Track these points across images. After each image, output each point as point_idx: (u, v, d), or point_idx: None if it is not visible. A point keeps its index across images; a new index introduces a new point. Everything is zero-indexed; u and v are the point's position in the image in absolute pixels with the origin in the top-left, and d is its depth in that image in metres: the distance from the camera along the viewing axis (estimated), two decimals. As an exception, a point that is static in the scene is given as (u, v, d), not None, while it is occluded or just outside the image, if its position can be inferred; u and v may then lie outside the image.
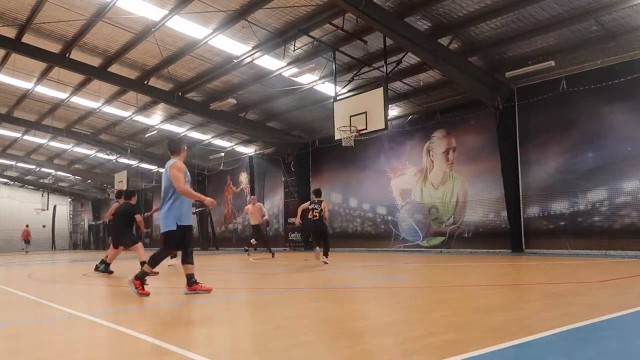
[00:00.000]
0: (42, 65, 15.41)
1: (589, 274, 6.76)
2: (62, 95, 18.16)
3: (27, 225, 32.55)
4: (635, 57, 11.15)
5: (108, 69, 15.04)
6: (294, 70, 14.05)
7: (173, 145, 6.04)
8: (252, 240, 14.76)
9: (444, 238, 14.92)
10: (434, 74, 13.76)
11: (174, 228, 5.62)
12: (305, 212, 11.18)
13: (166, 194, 5.70)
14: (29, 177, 35.40)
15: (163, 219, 5.68)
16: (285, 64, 13.91)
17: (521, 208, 12.94)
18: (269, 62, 13.94)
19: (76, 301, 5.95)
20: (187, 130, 21.55)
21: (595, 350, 2.79)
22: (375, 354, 2.82)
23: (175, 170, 5.64)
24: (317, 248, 11.24)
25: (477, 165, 14.18)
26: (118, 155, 25.20)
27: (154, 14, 11.77)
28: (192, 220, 23.45)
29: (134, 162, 26.19)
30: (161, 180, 5.90)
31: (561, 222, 12.19)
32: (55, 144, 25.79)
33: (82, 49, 14.08)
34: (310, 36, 11.93)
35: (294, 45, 12.46)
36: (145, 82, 15.74)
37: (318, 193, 11.45)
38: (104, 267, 9.37)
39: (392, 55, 12.26)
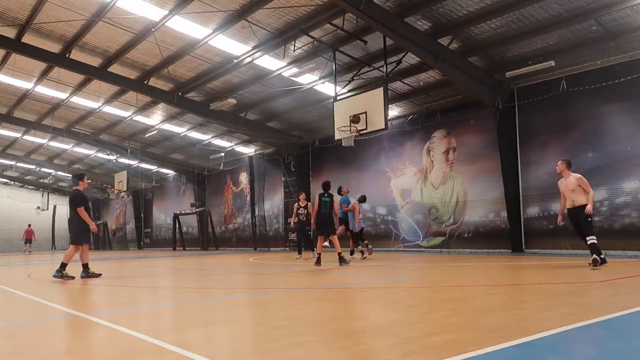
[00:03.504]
0: (42, 65, 15.41)
1: (589, 274, 6.76)
2: (62, 95, 18.17)
3: (29, 225, 32.47)
4: (635, 57, 11.16)
5: (108, 69, 15.04)
6: (294, 70, 14.05)
7: None
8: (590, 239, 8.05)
9: (444, 238, 14.92)
10: (434, 74, 13.76)
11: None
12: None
13: None
14: (29, 177, 35.40)
15: None
16: (285, 64, 13.92)
17: (521, 208, 12.94)
18: (269, 62, 13.95)
19: (76, 301, 5.95)
20: (187, 130, 21.56)
21: (595, 350, 2.79)
22: (375, 354, 2.82)
23: None
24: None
25: (477, 165, 14.18)
26: (118, 155, 25.21)
27: (154, 14, 11.78)
28: (193, 221, 23.17)
29: (134, 162, 26.20)
30: None
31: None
32: (55, 144, 25.80)
33: (82, 49, 14.09)
34: (310, 36, 11.93)
35: (294, 45, 12.47)
36: (145, 82, 15.74)
37: (326, 186, 10.49)
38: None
39: (392, 55, 12.26)
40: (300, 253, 13.78)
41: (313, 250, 13.39)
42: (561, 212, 8.33)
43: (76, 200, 8.45)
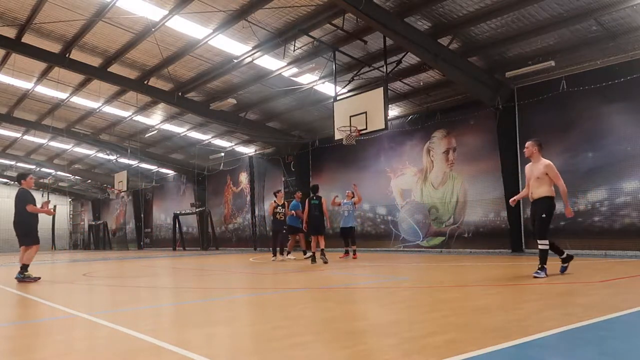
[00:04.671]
0: (42, 65, 15.42)
1: (589, 274, 6.76)
2: (62, 95, 18.18)
3: None
4: (635, 57, 11.15)
5: (108, 69, 15.05)
6: (294, 70, 14.05)
7: None
8: (542, 244, 6.77)
9: (444, 238, 14.92)
10: (434, 74, 13.76)
11: None
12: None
13: None
14: (29, 177, 35.40)
15: None
16: (285, 64, 13.92)
17: (521, 208, 12.93)
18: (269, 62, 13.95)
19: (76, 301, 5.94)
20: (187, 130, 21.56)
21: (595, 350, 2.78)
22: (375, 354, 2.82)
23: None
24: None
25: (477, 165, 14.18)
26: (118, 155, 25.22)
27: (154, 14, 11.78)
28: (193, 221, 23.17)
29: (134, 162, 26.20)
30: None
31: (561, 222, 12.17)
32: (55, 144, 25.80)
33: (82, 49, 14.09)
34: (310, 36, 11.93)
35: (294, 45, 12.47)
36: (145, 82, 15.75)
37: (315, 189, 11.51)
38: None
39: (392, 55, 12.26)
40: (275, 255, 12.96)
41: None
42: (519, 197, 7.03)
43: (27, 198, 8.26)
